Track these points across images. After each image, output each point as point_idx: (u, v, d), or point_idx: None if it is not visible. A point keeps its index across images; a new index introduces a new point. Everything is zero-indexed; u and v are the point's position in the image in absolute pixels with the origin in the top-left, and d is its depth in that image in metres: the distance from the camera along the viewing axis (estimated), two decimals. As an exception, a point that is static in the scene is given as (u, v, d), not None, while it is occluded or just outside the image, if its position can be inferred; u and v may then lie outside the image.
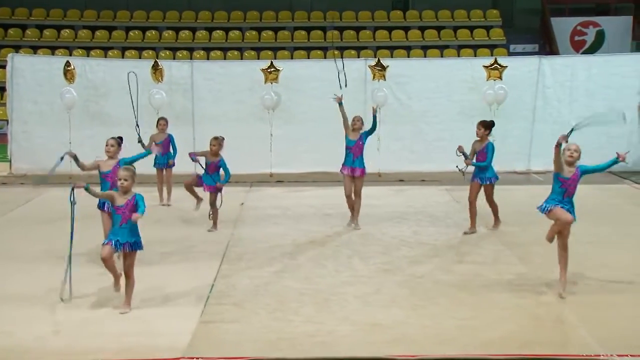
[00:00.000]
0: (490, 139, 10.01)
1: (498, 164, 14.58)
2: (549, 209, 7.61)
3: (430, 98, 15.44)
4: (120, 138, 8.78)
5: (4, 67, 16.72)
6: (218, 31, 25.53)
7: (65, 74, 14.79)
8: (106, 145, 8.68)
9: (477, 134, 9.95)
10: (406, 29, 25.52)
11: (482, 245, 9.37)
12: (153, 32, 25.36)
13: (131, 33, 25.28)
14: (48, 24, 25.31)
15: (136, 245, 6.93)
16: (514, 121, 15.24)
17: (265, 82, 14.91)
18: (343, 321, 6.63)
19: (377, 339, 6.22)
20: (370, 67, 15.09)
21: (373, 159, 14.86)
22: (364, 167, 10.47)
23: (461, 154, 9.81)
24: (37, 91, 15.29)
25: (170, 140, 12.16)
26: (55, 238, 9.71)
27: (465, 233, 9.93)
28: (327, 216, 11.08)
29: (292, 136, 15.06)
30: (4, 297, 7.32)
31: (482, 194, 9.98)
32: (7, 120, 16.36)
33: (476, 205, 9.90)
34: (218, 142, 10.06)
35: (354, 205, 10.43)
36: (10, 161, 15.46)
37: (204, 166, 10.03)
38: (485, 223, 10.28)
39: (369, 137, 10.64)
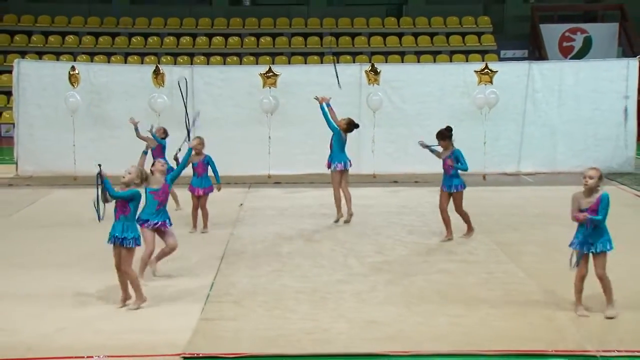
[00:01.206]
0: (455, 146, 9.49)
1: (489, 166, 14.79)
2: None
3: (424, 102, 15.44)
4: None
5: (10, 72, 16.69)
6: (218, 37, 25.53)
7: (69, 78, 14.77)
8: (155, 165, 7.94)
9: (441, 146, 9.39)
10: (400, 35, 25.55)
11: (473, 244, 9.35)
12: (155, 38, 25.35)
13: (133, 39, 25.26)
14: (53, 31, 25.30)
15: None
16: (504, 124, 15.26)
17: (264, 86, 14.89)
18: (339, 318, 6.60)
19: (373, 336, 6.19)
20: (365, 72, 15.07)
21: (368, 161, 14.92)
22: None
23: (425, 147, 9.54)
24: (42, 95, 15.28)
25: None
26: (60, 239, 9.70)
27: (442, 241, 9.50)
28: (323, 216, 11.05)
29: (290, 139, 15.04)
30: (8, 295, 7.28)
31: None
32: (13, 124, 16.33)
33: (448, 213, 9.57)
34: (201, 141, 9.87)
35: (341, 200, 10.54)
36: (16, 163, 15.42)
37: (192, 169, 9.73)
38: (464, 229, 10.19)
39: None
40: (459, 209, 9.54)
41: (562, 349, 5.94)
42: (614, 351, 5.88)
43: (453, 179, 9.43)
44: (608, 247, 6.56)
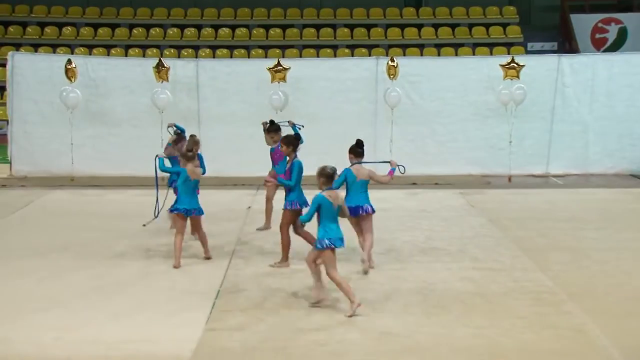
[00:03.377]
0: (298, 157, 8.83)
1: (515, 167, 14.75)
2: None
3: (444, 98, 15.43)
4: None
5: (4, 65, 16.84)
6: (224, 29, 25.59)
7: (66, 72, 14.81)
8: None
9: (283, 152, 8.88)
10: (419, 27, 25.50)
11: (498, 251, 9.34)
12: (157, 29, 25.44)
13: (135, 30, 25.37)
14: (49, 21, 25.44)
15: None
16: (531, 122, 15.22)
17: (272, 81, 14.92)
18: (353, 329, 6.62)
19: (388, 348, 6.21)
20: (388, 65, 14.95)
21: (385, 161, 14.87)
22: None
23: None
24: (38, 90, 15.38)
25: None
26: (55, 243, 9.76)
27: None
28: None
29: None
30: (2, 302, 7.34)
31: None
32: (7, 121, 16.44)
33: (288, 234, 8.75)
34: (194, 141, 9.72)
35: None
36: (10, 163, 15.53)
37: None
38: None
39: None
40: (295, 228, 8.69)
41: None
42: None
43: (290, 194, 8.69)
44: None
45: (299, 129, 10.59)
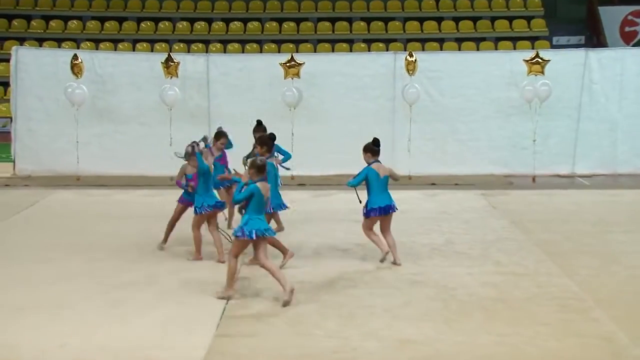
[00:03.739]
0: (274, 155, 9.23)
1: (539, 167, 14.68)
2: None
3: (465, 95, 15.42)
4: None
5: (7, 60, 16.94)
6: (236, 22, 25.65)
7: (72, 68, 14.90)
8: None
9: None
10: (439, 20, 25.45)
11: (521, 255, 9.31)
12: (166, 23, 25.54)
13: (143, 24, 25.48)
14: (54, 15, 25.60)
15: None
16: (557, 120, 15.19)
17: (286, 77, 14.94)
18: (369, 336, 6.62)
19: (407, 356, 6.20)
20: (406, 60, 14.94)
21: (403, 161, 14.90)
22: None
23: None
24: (43, 86, 15.50)
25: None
26: (61, 245, 9.83)
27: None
28: (354, 223, 11.04)
29: (316, 135, 15.09)
30: (5, 306, 7.40)
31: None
32: (10, 118, 16.57)
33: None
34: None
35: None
36: (14, 161, 15.65)
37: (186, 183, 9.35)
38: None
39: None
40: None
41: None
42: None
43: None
44: None
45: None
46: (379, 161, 8.96)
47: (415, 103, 14.87)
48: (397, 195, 11.44)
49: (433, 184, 14.47)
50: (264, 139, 9.26)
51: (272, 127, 14.89)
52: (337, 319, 7.03)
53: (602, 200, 12.93)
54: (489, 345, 6.42)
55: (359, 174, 8.89)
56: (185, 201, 9.44)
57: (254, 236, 7.41)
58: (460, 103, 15.42)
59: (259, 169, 7.58)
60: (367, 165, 8.93)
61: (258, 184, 7.53)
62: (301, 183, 14.41)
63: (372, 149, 8.97)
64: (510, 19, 25.32)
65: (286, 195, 13.38)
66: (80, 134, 14.80)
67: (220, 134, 10.47)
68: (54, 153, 15.32)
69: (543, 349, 6.34)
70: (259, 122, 10.79)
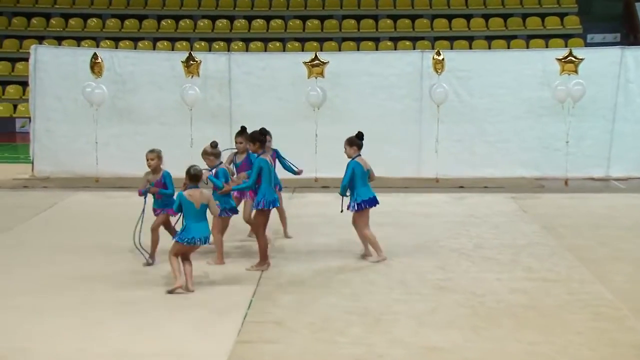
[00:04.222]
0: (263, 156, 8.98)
1: (572, 169, 14.58)
2: None
3: (495, 95, 15.35)
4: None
5: (26, 60, 17.11)
6: (258, 20, 25.76)
7: (92, 67, 14.97)
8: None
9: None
10: (468, 17, 25.39)
11: (553, 260, 9.25)
12: (187, 21, 25.73)
13: (163, 22, 25.69)
14: (74, 13, 25.89)
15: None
16: (591, 121, 15.07)
17: (309, 76, 14.95)
18: (395, 344, 6.61)
19: (434, 364, 6.19)
20: (434, 59, 14.92)
21: (430, 163, 14.87)
22: None
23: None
24: (62, 86, 15.62)
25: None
26: (79, 248, 9.92)
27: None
28: (378, 226, 11.02)
29: (340, 136, 14.79)
30: (21, 310, 7.46)
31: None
32: (29, 118, 16.73)
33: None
34: (156, 155, 9.21)
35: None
36: (32, 162, 15.80)
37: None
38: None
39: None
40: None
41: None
42: None
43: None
44: None
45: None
46: (360, 154, 9.30)
47: (443, 103, 14.82)
48: (424, 199, 11.52)
49: (461, 186, 14.42)
50: (255, 136, 9.05)
51: (295, 128, 15.08)
52: (362, 326, 7.03)
53: (637, 204, 12.82)
54: (519, 354, 6.38)
55: (346, 172, 9.15)
56: (159, 210, 9.23)
57: (196, 242, 8.01)
58: (489, 103, 15.36)
59: (192, 178, 8.09)
60: (351, 159, 9.24)
61: (186, 192, 8.04)
62: (325, 185, 14.41)
63: (359, 143, 9.30)
64: (543, 16, 25.20)
65: (309, 198, 13.51)
66: (99, 134, 14.91)
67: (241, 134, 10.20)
68: (72, 154, 15.45)
69: (575, 359, 6.29)
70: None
